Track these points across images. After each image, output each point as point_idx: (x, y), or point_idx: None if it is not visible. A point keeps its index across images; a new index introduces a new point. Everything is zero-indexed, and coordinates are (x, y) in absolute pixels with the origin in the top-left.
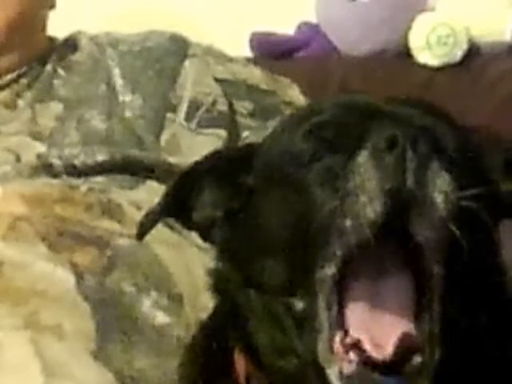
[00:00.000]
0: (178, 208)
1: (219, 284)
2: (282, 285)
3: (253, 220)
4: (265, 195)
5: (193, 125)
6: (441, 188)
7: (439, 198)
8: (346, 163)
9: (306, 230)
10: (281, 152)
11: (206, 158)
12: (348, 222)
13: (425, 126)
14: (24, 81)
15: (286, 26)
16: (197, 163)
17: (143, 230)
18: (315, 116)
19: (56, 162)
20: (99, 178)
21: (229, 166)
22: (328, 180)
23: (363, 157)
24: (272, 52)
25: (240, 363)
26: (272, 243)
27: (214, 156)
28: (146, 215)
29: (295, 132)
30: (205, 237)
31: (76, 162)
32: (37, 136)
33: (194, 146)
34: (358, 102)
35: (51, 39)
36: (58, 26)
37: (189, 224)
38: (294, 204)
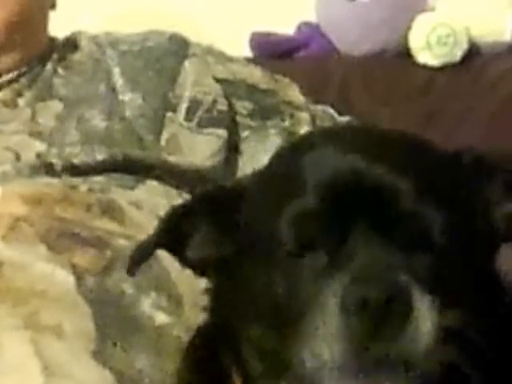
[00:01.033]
0: (171, 242)
1: (213, 306)
2: (266, 344)
3: (238, 278)
4: (248, 259)
5: (193, 124)
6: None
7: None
8: (323, 275)
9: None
10: (264, 227)
11: (197, 196)
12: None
13: (410, 214)
14: (24, 80)
15: (286, 26)
16: (188, 202)
17: (134, 263)
18: (301, 172)
19: (56, 161)
20: (99, 178)
21: (220, 207)
22: (306, 282)
23: (331, 306)
24: (272, 52)
25: (237, 378)
26: (251, 308)
27: (205, 194)
28: (137, 249)
29: (280, 203)
30: (199, 274)
31: (76, 161)
32: (37, 135)
33: (194, 145)
34: (344, 178)
35: (51, 39)
36: (58, 26)
37: (183, 261)
38: (272, 284)
